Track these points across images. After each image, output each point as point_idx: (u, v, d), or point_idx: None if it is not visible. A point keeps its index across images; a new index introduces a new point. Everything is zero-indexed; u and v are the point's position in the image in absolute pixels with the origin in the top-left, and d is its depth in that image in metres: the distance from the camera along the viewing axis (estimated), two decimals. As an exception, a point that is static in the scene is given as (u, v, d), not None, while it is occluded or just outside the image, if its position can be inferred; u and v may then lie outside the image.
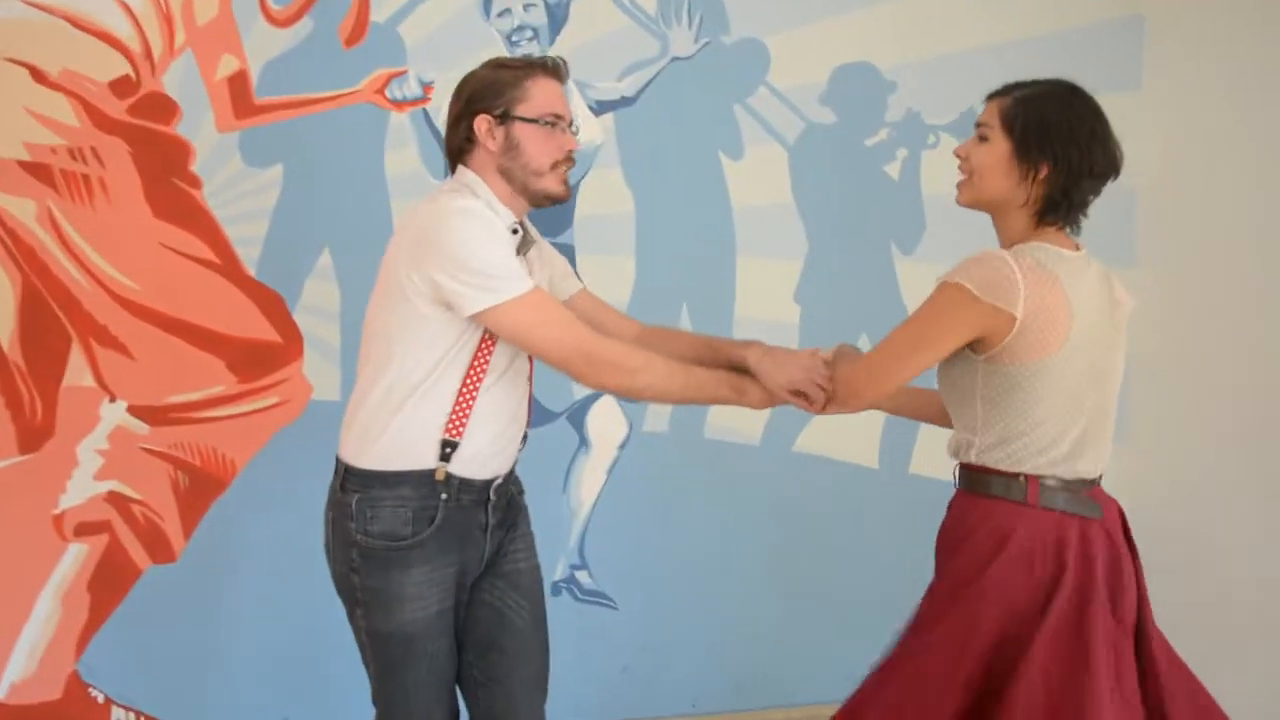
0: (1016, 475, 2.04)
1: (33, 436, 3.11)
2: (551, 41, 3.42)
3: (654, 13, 3.50)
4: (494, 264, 2.12)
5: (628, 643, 3.57)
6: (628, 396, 2.44)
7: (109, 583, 3.18)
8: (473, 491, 2.25)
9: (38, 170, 3.07)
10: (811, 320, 3.69)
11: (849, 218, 3.72)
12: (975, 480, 2.10)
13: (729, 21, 3.56)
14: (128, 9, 3.11)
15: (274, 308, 3.26)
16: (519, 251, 2.25)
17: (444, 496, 2.20)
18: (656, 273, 3.56)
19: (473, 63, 3.22)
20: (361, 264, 3.31)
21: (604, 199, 3.49)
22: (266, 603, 3.28)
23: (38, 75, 3.06)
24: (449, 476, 2.19)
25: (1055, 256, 2.02)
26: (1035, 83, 2.10)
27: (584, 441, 3.52)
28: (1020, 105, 2.06)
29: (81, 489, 3.15)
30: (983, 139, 2.10)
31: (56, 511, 3.12)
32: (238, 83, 3.21)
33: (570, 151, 2.28)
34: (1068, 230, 2.10)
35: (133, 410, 3.17)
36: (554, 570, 3.50)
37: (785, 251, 3.68)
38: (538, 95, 2.23)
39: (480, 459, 2.23)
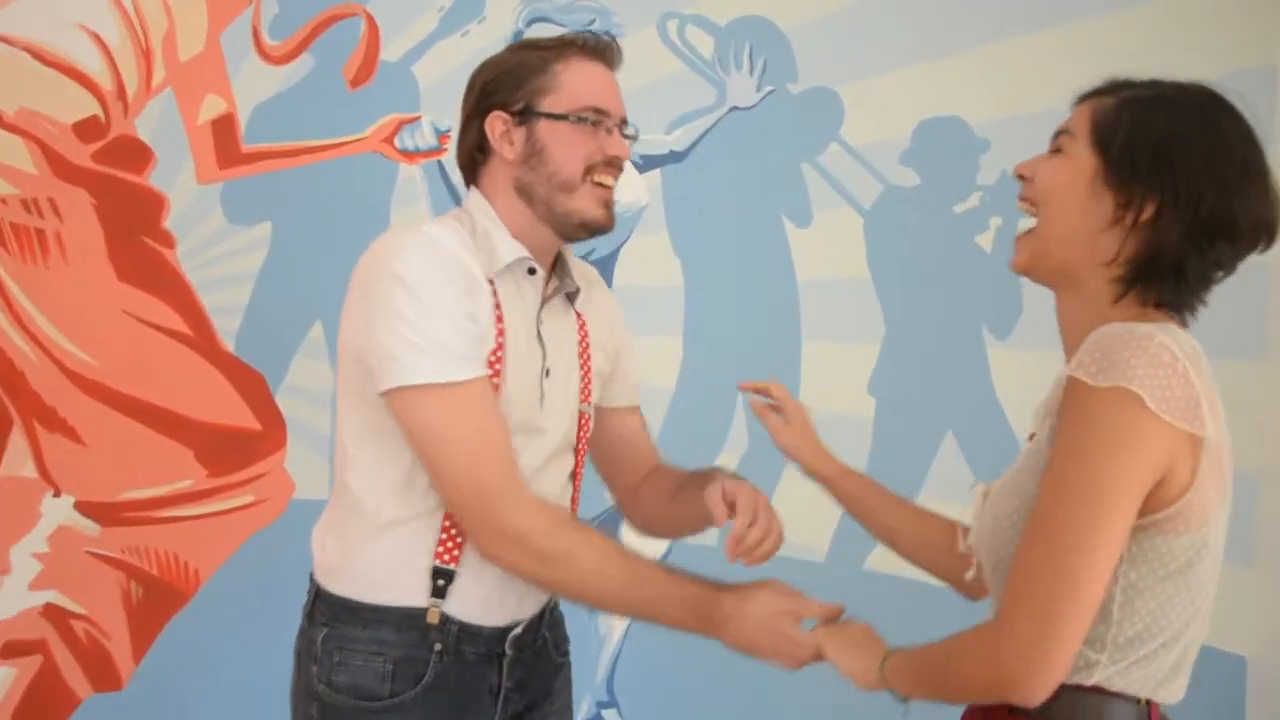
0: (1137, 701, 1.28)
1: (-43, 535, 2.68)
2: (589, 87, 2.96)
3: (710, 57, 3.01)
4: (415, 329, 1.50)
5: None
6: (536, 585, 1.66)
7: (40, 715, 2.72)
8: (479, 643, 1.63)
9: (-14, 225, 2.67)
10: (889, 415, 3.11)
11: (933, 296, 3.15)
12: (1087, 708, 1.28)
13: (797, 68, 3.04)
14: (100, 41, 2.78)
15: (254, 389, 2.86)
16: (545, 302, 1.68)
17: (437, 647, 1.60)
18: (707, 357, 3.02)
19: (496, 110, 2.90)
20: None
21: (647, 269, 2.99)
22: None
23: (-9, 115, 2.71)
24: (445, 620, 1.59)
25: (1188, 343, 1.25)
26: (1162, 82, 1.36)
27: (619, 555, 2.95)
28: (1127, 109, 1.30)
29: (13, 600, 2.74)
30: (1056, 150, 1.35)
31: (-20, 627, 2.67)
32: (223, 127, 2.85)
33: (618, 156, 1.65)
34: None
35: (80, 507, 2.78)
36: (578, 708, 2.91)
37: (859, 334, 3.11)
38: (571, 83, 1.63)
39: (490, 598, 1.63)
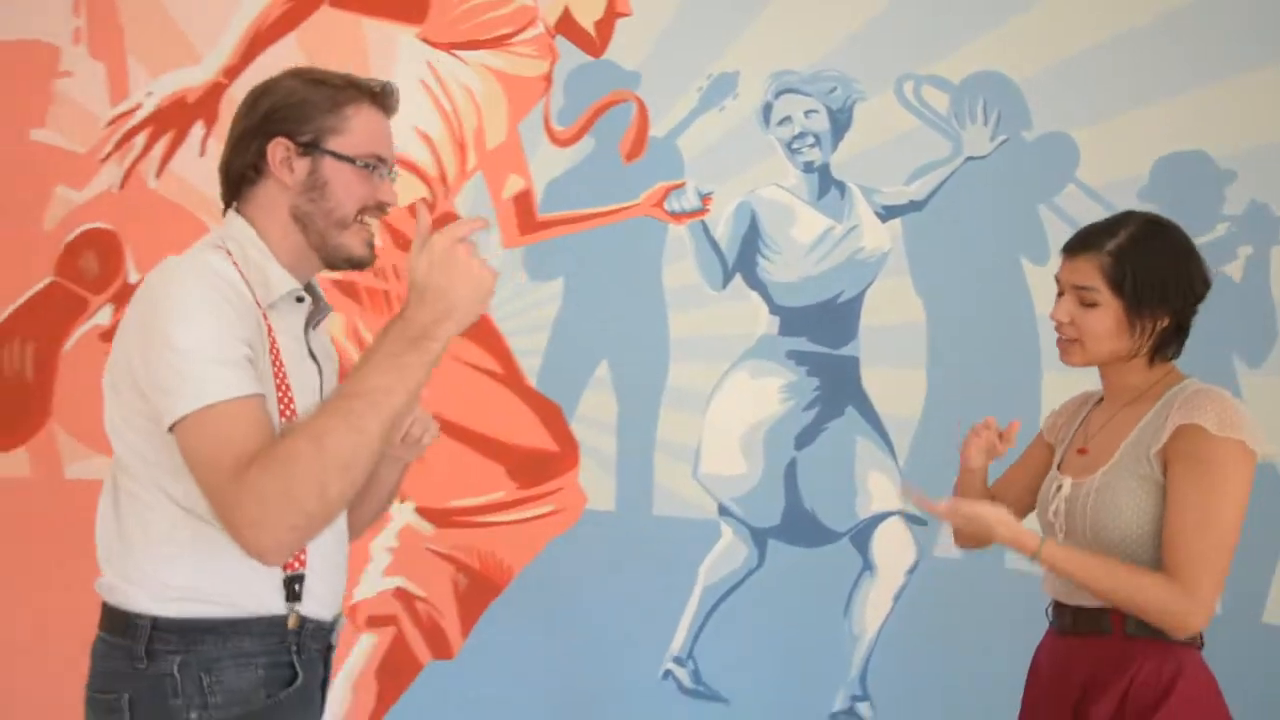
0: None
1: (334, 532, 3.06)
2: (834, 147, 2.99)
3: (945, 112, 2.97)
4: (182, 349, 1.38)
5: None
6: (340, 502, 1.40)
7: (394, 673, 3.03)
8: (319, 638, 1.56)
9: (346, 288, 3.03)
10: None
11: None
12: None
13: (1031, 116, 2.95)
14: (427, 139, 3.04)
15: (553, 417, 3.04)
16: (310, 323, 1.60)
17: (294, 648, 1.50)
18: (950, 387, 2.98)
19: (752, 173, 3.00)
20: (639, 375, 3.06)
21: (891, 309, 2.98)
22: (539, 704, 3.00)
23: (351, 202, 3.06)
24: (303, 622, 1.50)
25: None
26: (1118, 225, 1.81)
27: (868, 565, 2.98)
28: (1121, 260, 1.75)
29: (373, 583, 3.03)
30: (1089, 304, 1.77)
31: (351, 603, 3.00)
32: (523, 201, 3.05)
33: (387, 202, 1.60)
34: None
35: (421, 511, 3.03)
36: (833, 700, 3.00)
37: None
38: (359, 128, 1.56)
39: (328, 592, 1.56)
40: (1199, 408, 1.71)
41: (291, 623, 1.49)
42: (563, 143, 3.04)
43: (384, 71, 3.01)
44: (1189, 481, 1.69)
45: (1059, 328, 1.83)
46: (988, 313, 3.00)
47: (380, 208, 1.59)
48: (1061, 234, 2.89)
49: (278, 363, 1.49)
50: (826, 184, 2.99)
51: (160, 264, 1.49)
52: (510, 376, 3.04)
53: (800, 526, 2.98)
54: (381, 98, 1.59)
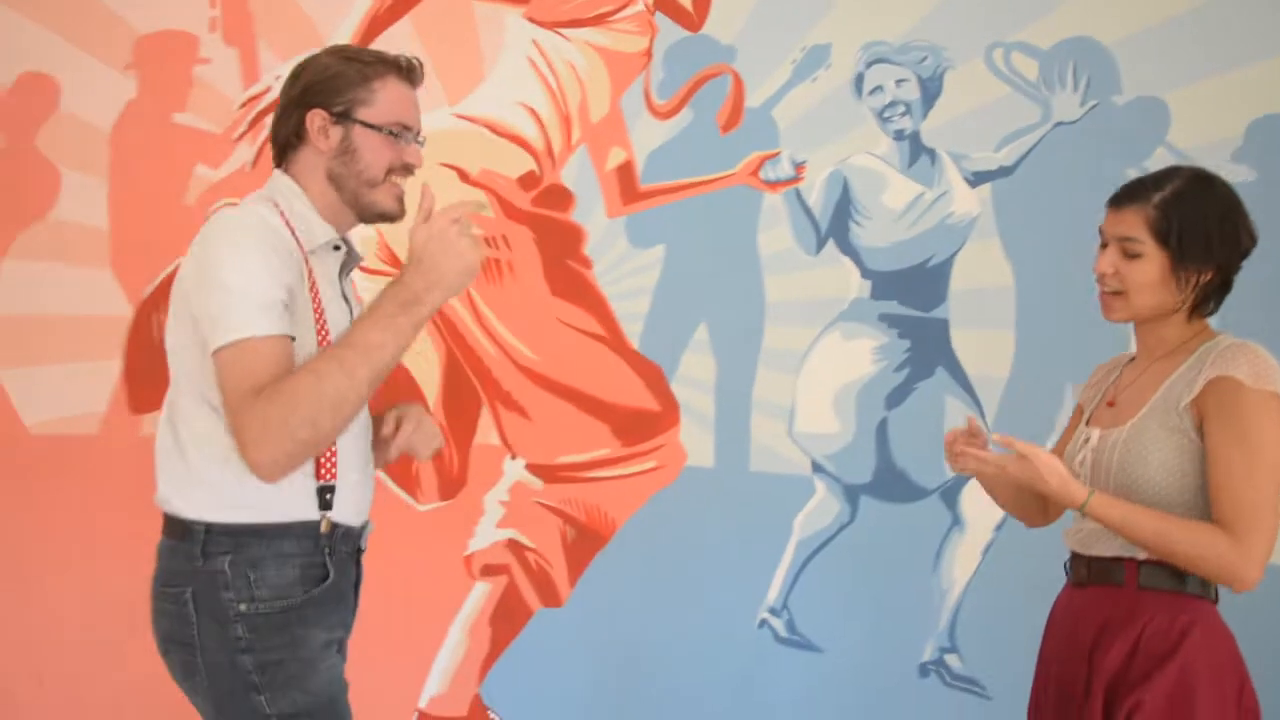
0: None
1: (450, 486, 3.20)
2: (924, 116, 3.04)
3: (1035, 78, 3.00)
4: (228, 286, 1.59)
5: (998, 734, 3.05)
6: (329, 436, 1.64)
7: (506, 619, 3.18)
8: (349, 542, 1.76)
9: (460, 256, 3.20)
10: None
11: (1273, 282, 2.96)
12: (1177, 578, 1.73)
13: (1121, 81, 2.97)
14: (534, 114, 3.17)
15: (654, 378, 3.15)
16: (343, 271, 1.79)
17: (328, 551, 1.71)
18: (1039, 348, 3.02)
19: (845, 142, 3.08)
20: (736, 338, 3.17)
21: (981, 272, 3.03)
22: (643, 650, 3.14)
23: (463, 175, 3.18)
24: (334, 527, 1.70)
25: None
26: (1165, 179, 1.78)
27: (957, 521, 3.06)
28: (1167, 212, 1.73)
29: (486, 535, 3.19)
30: (1132, 255, 1.76)
31: (466, 553, 3.18)
32: (625, 172, 3.16)
33: (413, 164, 1.78)
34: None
35: (530, 468, 3.17)
36: (922, 651, 3.08)
37: None
38: (385, 100, 1.74)
39: (357, 501, 1.75)
40: (1233, 361, 1.69)
41: (324, 527, 1.68)
42: (662, 115, 3.14)
43: (492, 50, 3.19)
44: (1229, 435, 1.66)
45: (1101, 280, 1.81)
46: (1076, 275, 2.96)
47: (407, 169, 1.77)
48: (1152, 196, 2.98)
49: (316, 300, 1.69)
50: (917, 151, 3.04)
51: (218, 213, 1.72)
52: (614, 340, 3.16)
53: (891, 483, 3.05)
54: (407, 72, 1.77)
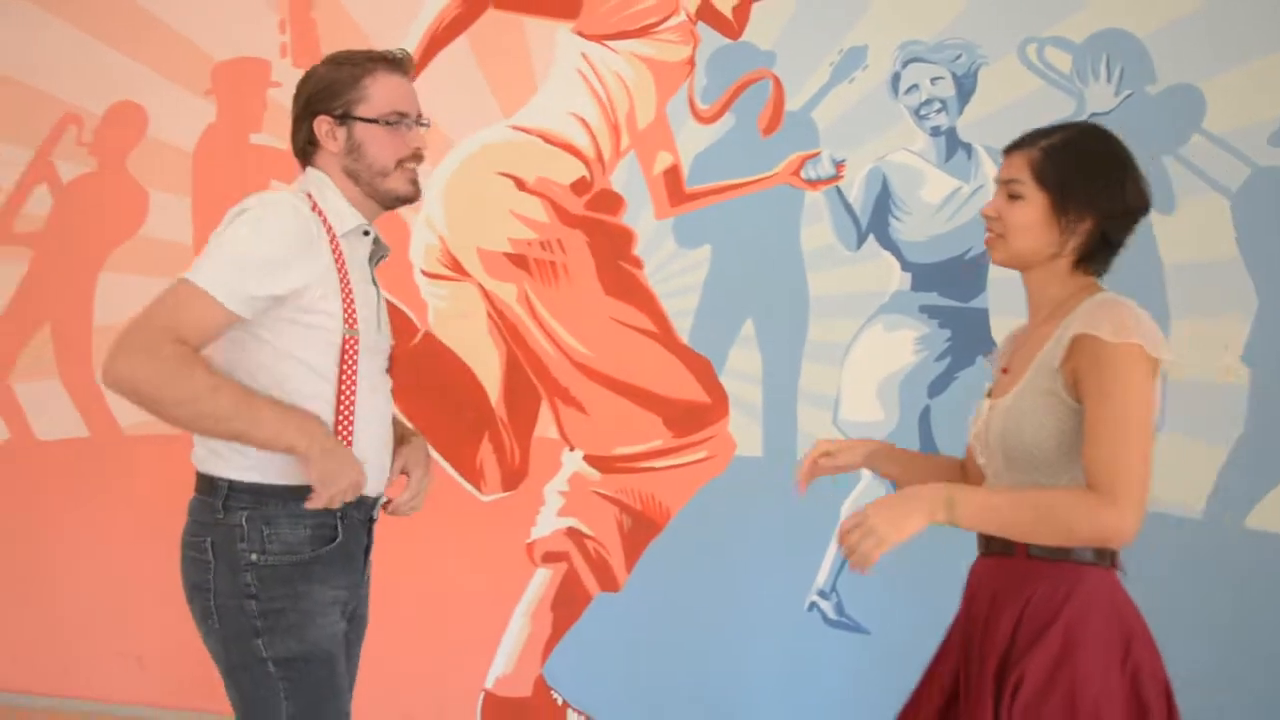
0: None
1: (512, 477, 3.34)
2: (960, 112, 3.09)
3: (1069, 71, 3.03)
4: (225, 248, 1.74)
5: None
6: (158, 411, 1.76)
7: (567, 604, 3.31)
8: (361, 509, 1.89)
9: (518, 260, 3.32)
10: (1266, 382, 2.96)
11: None
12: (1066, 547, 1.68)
13: (1155, 70, 2.98)
14: (584, 123, 3.29)
15: (704, 372, 3.23)
16: (373, 259, 1.92)
17: (340, 514, 1.83)
18: (1078, 334, 3.07)
19: (883, 140, 3.14)
20: (782, 332, 3.25)
21: (1017, 262, 3.08)
22: (696, 632, 3.23)
23: (519, 184, 3.31)
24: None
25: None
26: (1057, 129, 1.78)
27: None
28: (1050, 155, 1.72)
29: (547, 523, 3.31)
30: (1014, 196, 1.74)
31: (528, 541, 3.32)
32: (672, 175, 3.25)
33: (418, 149, 1.91)
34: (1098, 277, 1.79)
35: (588, 459, 3.29)
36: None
37: (1228, 310, 2.97)
38: (377, 93, 1.87)
39: (369, 475, 1.86)
40: (1095, 317, 1.65)
41: None
42: (706, 120, 3.23)
43: (543, 64, 3.32)
44: (1095, 394, 1.62)
45: (987, 223, 1.80)
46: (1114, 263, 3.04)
47: (415, 155, 1.90)
48: (1188, 184, 2.99)
49: (345, 281, 1.82)
50: (953, 146, 3.09)
51: (263, 192, 1.88)
52: (665, 335, 3.26)
53: (934, 468, 3.11)
54: (395, 63, 1.90)
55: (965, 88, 3.09)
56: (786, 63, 3.18)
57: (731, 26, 3.21)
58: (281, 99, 3.49)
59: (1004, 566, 1.74)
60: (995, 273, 3.08)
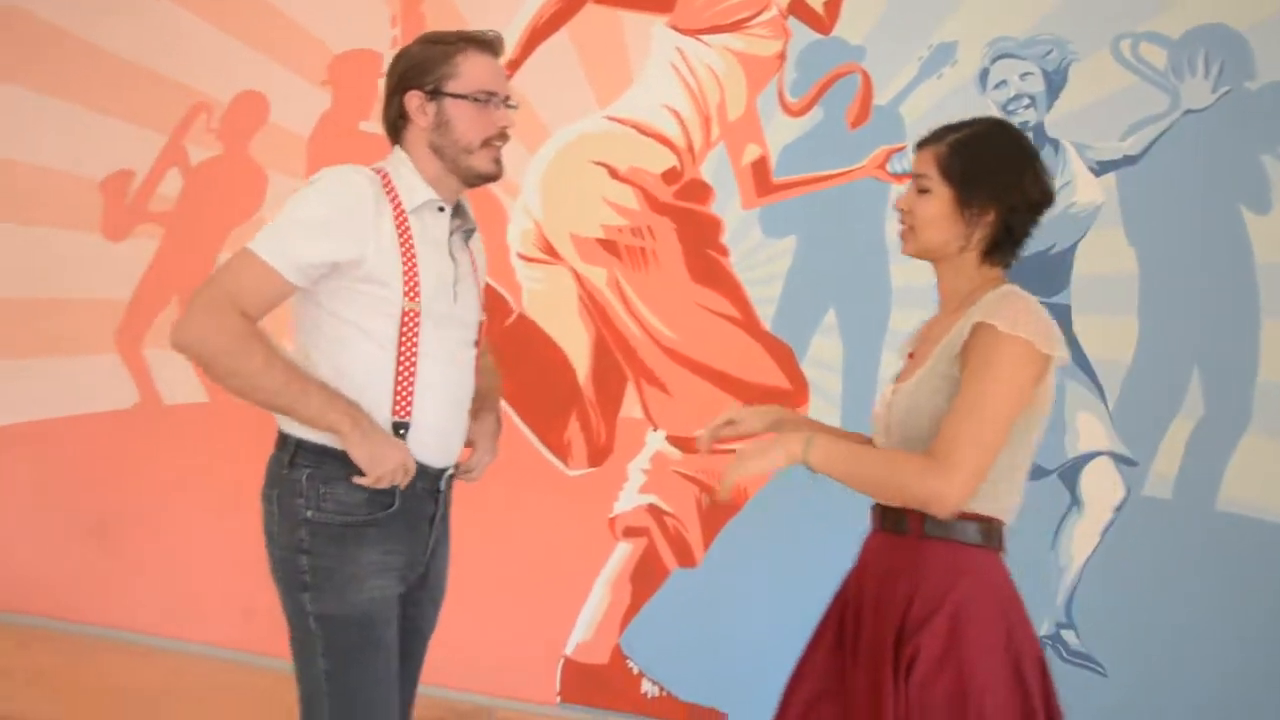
0: (995, 521, 1.75)
1: (598, 454, 3.46)
2: (1049, 107, 3.08)
3: (1164, 67, 2.99)
4: (286, 218, 1.80)
5: (1114, 710, 3.06)
6: (215, 378, 1.85)
7: (645, 577, 3.41)
8: (426, 479, 1.91)
9: (609, 246, 3.43)
10: None
11: None
12: (957, 527, 1.72)
13: (1254, 66, 2.92)
14: (676, 114, 3.38)
15: (785, 359, 3.30)
16: (453, 232, 1.94)
17: (394, 495, 1.86)
18: (1163, 333, 3.02)
19: (969, 133, 3.14)
20: (863, 323, 3.29)
21: (1104, 259, 3.04)
22: (767, 608, 3.28)
23: (613, 172, 3.42)
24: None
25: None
26: (964, 124, 1.81)
27: (1076, 501, 3.09)
28: (956, 150, 1.76)
29: (629, 499, 3.43)
30: (923, 190, 1.79)
31: (611, 515, 3.44)
32: (760, 166, 3.31)
33: (504, 128, 1.91)
34: (1005, 270, 1.82)
35: (670, 439, 3.39)
36: (1039, 625, 3.11)
37: None
38: (468, 71, 1.89)
39: (434, 444, 1.90)
40: (994, 308, 1.69)
41: None
42: (795, 113, 3.28)
43: (638, 57, 3.41)
44: (968, 373, 1.68)
45: (900, 216, 1.83)
46: (1203, 260, 2.99)
47: (501, 134, 1.91)
48: (1286, 183, 2.92)
49: (409, 254, 1.85)
50: (1040, 142, 3.07)
51: (334, 167, 1.90)
52: (748, 322, 3.33)
53: (1011, 462, 3.10)
54: (486, 44, 1.93)
55: (1055, 84, 3.07)
56: (876, 58, 3.22)
57: (822, 22, 3.26)
58: (391, 88, 3.67)
59: (897, 544, 1.78)
60: (1080, 269, 3.08)
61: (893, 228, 3.15)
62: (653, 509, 3.42)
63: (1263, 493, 2.94)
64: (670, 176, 3.39)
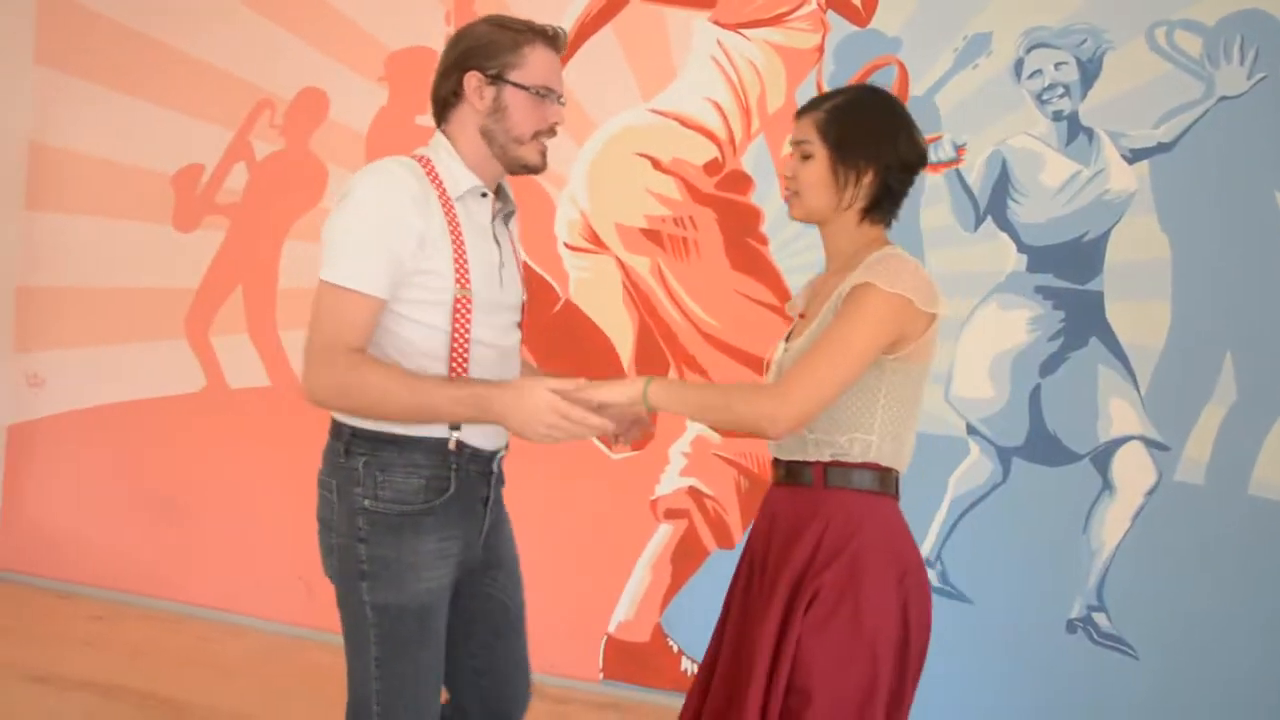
0: (891, 470, 1.84)
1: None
2: (1083, 96, 3.11)
3: (1199, 55, 3.00)
4: (343, 236, 1.79)
5: (1145, 692, 3.08)
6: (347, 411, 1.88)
7: (685, 558, 3.51)
8: (479, 462, 1.92)
9: (652, 235, 3.53)
10: None
11: None
12: (856, 476, 1.82)
13: (1291, 53, 2.94)
14: (718, 107, 3.46)
15: (822, 345, 3.38)
16: (497, 216, 1.97)
17: (454, 466, 1.87)
18: (1195, 319, 3.03)
19: (1004, 124, 3.20)
20: None
21: (1136, 246, 3.06)
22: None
23: (656, 164, 3.52)
24: (460, 445, 1.87)
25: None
26: (840, 91, 1.92)
27: (1108, 485, 3.11)
28: (833, 115, 1.85)
29: (670, 482, 3.52)
30: (805, 156, 1.87)
31: (652, 497, 3.53)
32: (798, 157, 3.40)
33: (555, 124, 1.93)
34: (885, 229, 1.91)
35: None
36: (1071, 608, 3.15)
37: None
38: (534, 63, 1.89)
39: (487, 429, 1.89)
40: (874, 269, 1.77)
41: (451, 445, 1.87)
42: (832, 104, 3.35)
43: (680, 51, 3.50)
44: (836, 319, 1.76)
45: (785, 183, 1.90)
46: (1236, 246, 2.99)
47: (551, 130, 1.94)
48: (1321, 169, 2.92)
49: (458, 241, 1.86)
50: (1075, 130, 3.11)
51: (367, 167, 1.88)
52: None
53: (1043, 446, 3.15)
54: (553, 40, 1.93)
55: (1089, 73, 3.10)
56: (912, 49, 3.27)
57: (860, 14, 3.32)
58: (445, 85, 3.81)
59: (801, 494, 1.85)
60: (1112, 256, 3.11)
61: (930, 215, 3.28)
62: (693, 491, 3.50)
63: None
64: (712, 168, 3.47)
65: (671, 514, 3.53)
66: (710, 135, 3.48)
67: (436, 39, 3.79)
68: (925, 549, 3.26)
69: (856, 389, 1.79)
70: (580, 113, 3.59)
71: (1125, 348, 3.08)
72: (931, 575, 3.25)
